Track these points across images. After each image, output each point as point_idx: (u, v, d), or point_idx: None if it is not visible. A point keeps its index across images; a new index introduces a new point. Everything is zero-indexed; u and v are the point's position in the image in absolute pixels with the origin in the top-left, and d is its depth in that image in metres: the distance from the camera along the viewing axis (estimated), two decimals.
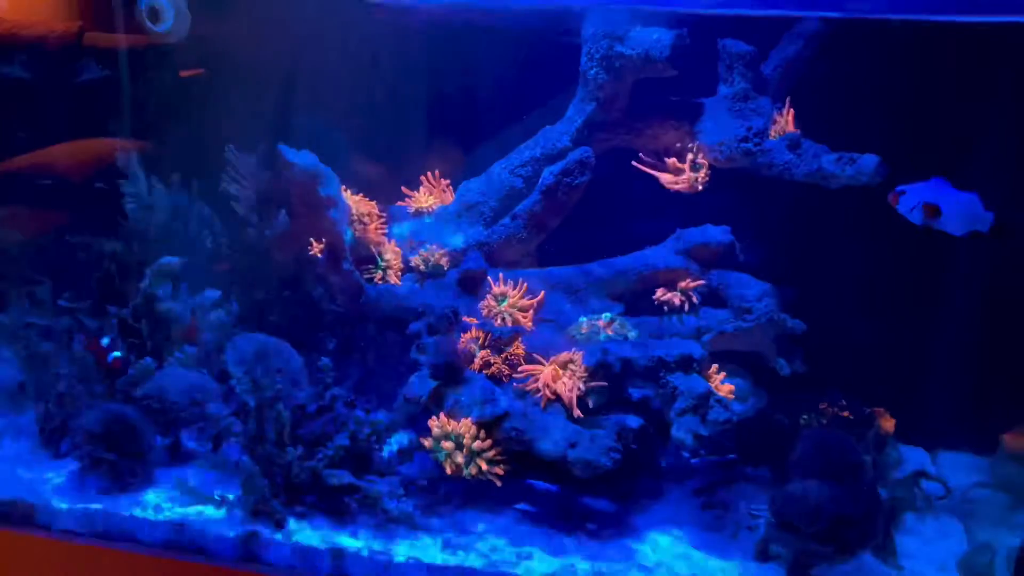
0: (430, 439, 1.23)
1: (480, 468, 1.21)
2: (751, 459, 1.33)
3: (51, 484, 1.33)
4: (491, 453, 1.21)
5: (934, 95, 1.16)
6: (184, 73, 1.36)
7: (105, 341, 1.26)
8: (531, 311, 1.35)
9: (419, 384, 1.26)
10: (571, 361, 1.25)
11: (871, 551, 1.22)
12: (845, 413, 1.41)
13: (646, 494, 1.34)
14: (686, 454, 1.30)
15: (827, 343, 1.33)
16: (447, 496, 1.28)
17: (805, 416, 1.39)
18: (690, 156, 1.29)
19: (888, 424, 1.42)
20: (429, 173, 1.47)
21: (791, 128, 1.26)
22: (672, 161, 1.28)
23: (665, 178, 1.27)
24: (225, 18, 1.35)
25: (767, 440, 1.31)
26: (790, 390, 1.38)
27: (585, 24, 1.28)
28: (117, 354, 1.26)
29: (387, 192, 1.47)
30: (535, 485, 1.32)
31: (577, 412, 1.21)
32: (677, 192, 1.27)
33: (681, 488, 1.35)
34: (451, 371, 1.25)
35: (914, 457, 1.46)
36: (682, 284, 1.30)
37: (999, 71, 1.13)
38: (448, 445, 1.22)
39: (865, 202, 1.17)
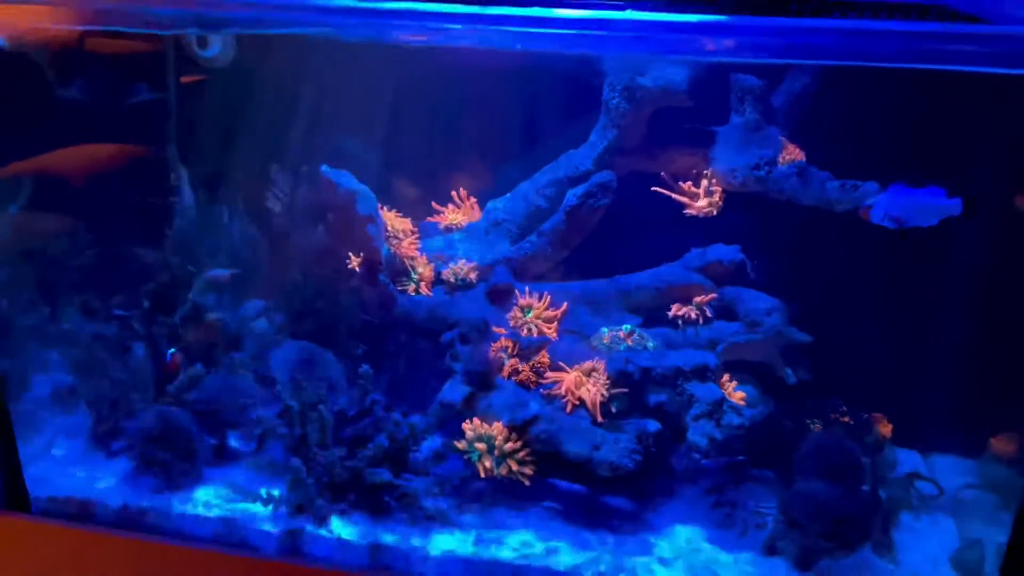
0: (464, 441, 1.33)
1: (511, 468, 1.31)
2: (758, 461, 1.42)
3: (105, 482, 1.41)
4: (522, 454, 1.31)
5: (921, 127, 1.27)
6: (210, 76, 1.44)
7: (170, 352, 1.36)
8: (555, 322, 1.44)
9: (453, 390, 1.36)
10: (594, 369, 1.35)
11: (870, 547, 1.33)
12: (845, 419, 1.52)
13: (662, 493, 1.43)
14: (697, 456, 1.40)
15: (829, 353, 1.43)
16: (478, 495, 1.38)
17: (811, 421, 1.49)
18: (704, 181, 1.38)
19: (885, 429, 1.52)
20: (458, 192, 1.56)
21: (799, 156, 1.37)
22: (688, 185, 1.38)
23: (683, 202, 1.37)
24: (272, 49, 1.44)
25: (773, 444, 1.40)
26: (795, 397, 1.47)
27: (607, 61, 1.38)
28: (172, 351, 1.35)
29: (421, 210, 1.57)
30: (559, 485, 1.41)
31: (600, 417, 1.31)
32: (692, 214, 1.37)
33: (694, 488, 1.44)
34: (484, 378, 1.35)
35: (909, 460, 1.56)
36: (697, 299, 1.39)
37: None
38: (481, 446, 1.32)
39: (865, 224, 1.27)
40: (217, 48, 1.46)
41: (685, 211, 1.36)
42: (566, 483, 1.40)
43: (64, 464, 1.45)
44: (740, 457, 1.44)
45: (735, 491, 1.43)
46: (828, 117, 1.36)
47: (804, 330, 1.38)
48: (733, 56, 1.25)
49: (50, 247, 1.47)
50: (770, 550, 1.31)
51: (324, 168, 1.39)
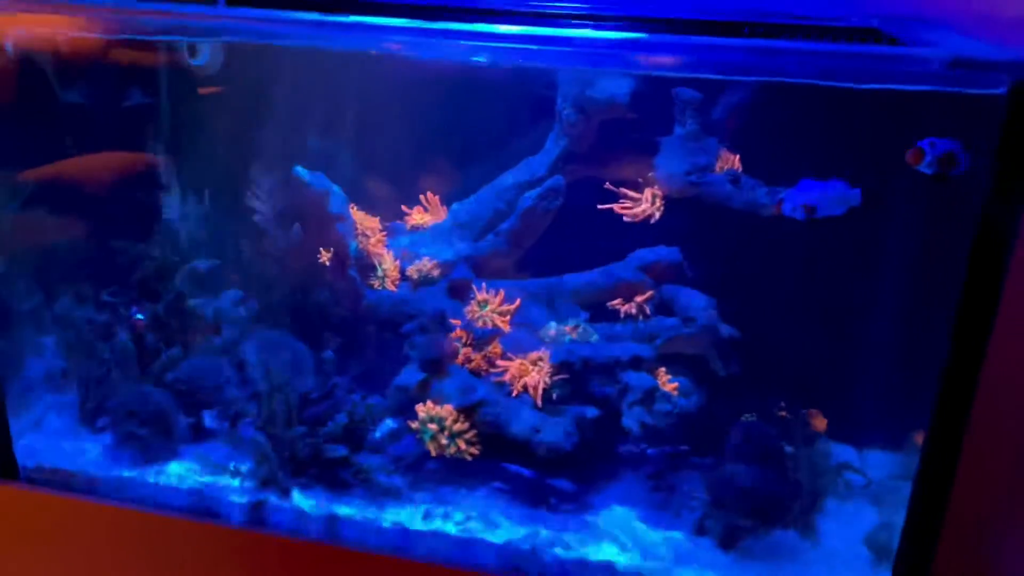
0: (417, 422, 1.44)
1: (459, 447, 1.41)
2: (699, 451, 1.52)
3: (89, 455, 1.53)
4: (469, 435, 1.42)
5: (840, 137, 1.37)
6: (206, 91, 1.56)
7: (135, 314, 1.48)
8: (509, 316, 1.55)
9: (409, 375, 1.47)
10: (540, 359, 1.46)
11: (794, 530, 1.42)
12: (783, 413, 1.61)
13: (604, 477, 1.53)
14: (643, 445, 1.50)
15: (769, 351, 1.53)
16: (430, 473, 1.48)
17: (748, 415, 1.58)
18: (648, 187, 1.49)
19: (819, 423, 1.61)
20: (426, 195, 1.68)
21: (735, 164, 1.47)
22: (632, 192, 1.49)
23: (626, 207, 1.47)
24: (255, 58, 1.56)
25: (709, 433, 1.50)
26: (738, 393, 1.57)
27: (560, 73, 1.49)
28: (140, 316, 1.46)
29: (391, 211, 1.69)
30: (508, 468, 1.51)
31: (540, 402, 1.42)
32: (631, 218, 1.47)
33: (636, 473, 1.53)
34: (437, 365, 1.46)
35: (844, 453, 1.64)
36: (638, 297, 1.50)
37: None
38: (433, 427, 1.42)
39: (791, 227, 1.38)
40: (206, 56, 1.58)
41: (625, 216, 1.47)
42: (515, 466, 1.50)
43: (52, 438, 1.57)
44: (683, 447, 1.53)
45: (674, 477, 1.52)
46: (760, 128, 1.46)
47: (740, 327, 1.48)
48: (669, 72, 1.36)
49: (48, 240, 1.59)
50: (699, 530, 1.40)
51: (297, 169, 1.51)
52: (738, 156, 1.49)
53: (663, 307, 1.50)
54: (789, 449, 1.43)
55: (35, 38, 1.54)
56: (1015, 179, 0.98)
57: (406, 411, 1.47)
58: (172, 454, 1.51)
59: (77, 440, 1.57)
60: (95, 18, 1.38)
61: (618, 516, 1.43)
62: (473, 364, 1.48)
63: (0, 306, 1.55)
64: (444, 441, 1.41)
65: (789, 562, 1.35)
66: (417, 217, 1.67)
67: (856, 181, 1.26)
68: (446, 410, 1.42)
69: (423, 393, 1.46)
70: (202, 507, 1.46)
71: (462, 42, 1.26)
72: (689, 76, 1.40)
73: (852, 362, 1.56)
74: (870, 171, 1.34)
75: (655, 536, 1.40)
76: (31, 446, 1.54)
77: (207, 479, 1.47)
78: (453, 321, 1.52)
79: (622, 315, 1.52)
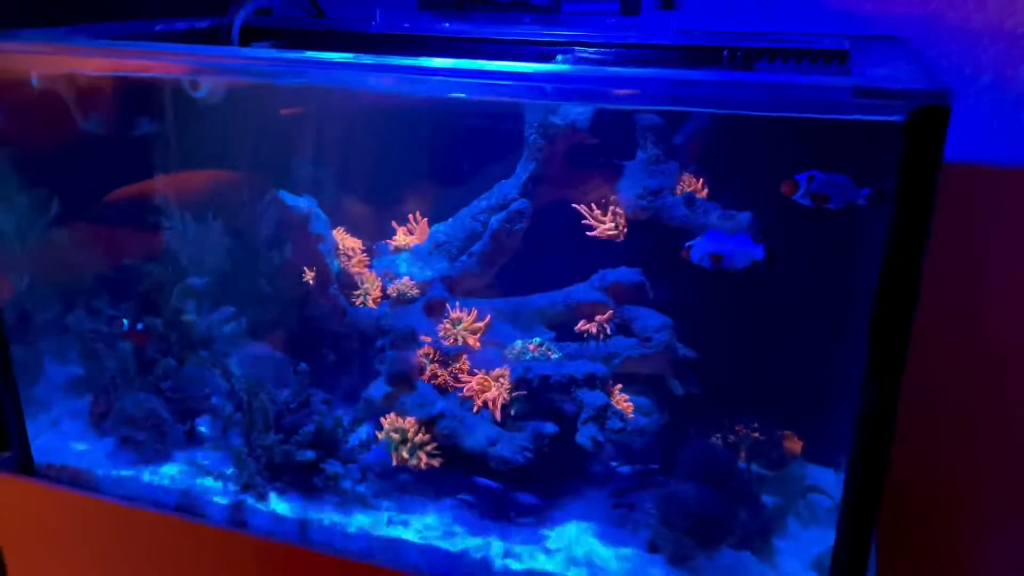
0: (383, 432, 1.52)
1: (420, 458, 1.48)
2: (655, 469, 1.54)
3: (95, 455, 1.67)
4: (430, 447, 1.48)
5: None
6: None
7: (125, 323, 1.61)
8: (479, 334, 1.61)
9: (376, 388, 1.55)
10: (501, 375, 1.51)
11: (748, 551, 1.43)
12: (755, 434, 1.61)
13: (569, 494, 1.57)
14: (599, 462, 1.53)
15: (731, 371, 1.54)
16: (395, 483, 1.55)
17: (717, 436, 1.59)
18: (612, 210, 1.53)
19: (794, 445, 1.60)
20: (411, 216, 1.76)
21: (695, 187, 1.50)
22: (597, 214, 1.53)
23: (593, 226, 1.52)
24: (249, 90, 1.68)
25: (670, 454, 1.52)
26: (701, 414, 1.58)
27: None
28: (126, 323, 1.60)
29: (377, 232, 1.78)
30: (470, 480, 1.57)
31: (499, 417, 1.47)
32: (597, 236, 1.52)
33: (593, 490, 1.57)
34: (402, 379, 1.53)
35: (821, 476, 1.63)
36: (599, 317, 1.54)
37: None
38: (396, 437, 1.50)
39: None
40: (207, 89, 1.71)
41: (589, 233, 1.51)
42: (477, 478, 1.56)
43: (66, 439, 1.72)
44: (639, 465, 1.56)
45: (637, 495, 1.55)
46: (716, 153, 1.49)
47: (698, 347, 1.50)
48: (631, 104, 1.40)
49: (65, 257, 1.75)
50: (652, 547, 1.43)
51: (281, 192, 1.62)
52: (701, 180, 1.52)
53: (623, 327, 1.53)
54: (744, 467, 1.44)
55: (56, 76, 1.69)
56: (913, 201, 0.99)
57: (373, 422, 1.55)
58: (165, 457, 1.63)
59: (86, 441, 1.71)
60: (119, 60, 1.52)
61: (572, 531, 1.47)
62: (439, 380, 1.55)
63: (22, 316, 1.71)
64: (405, 453, 1.48)
65: None
66: (401, 239, 1.75)
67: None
68: (408, 422, 1.49)
69: (389, 405, 1.53)
70: (189, 506, 1.57)
71: (428, 78, 1.33)
72: (608, 107, 1.44)
73: (821, 382, 1.56)
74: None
75: (607, 552, 1.43)
76: (46, 445, 1.69)
77: (195, 481, 1.58)
78: (424, 338, 1.59)
79: (585, 335, 1.56)
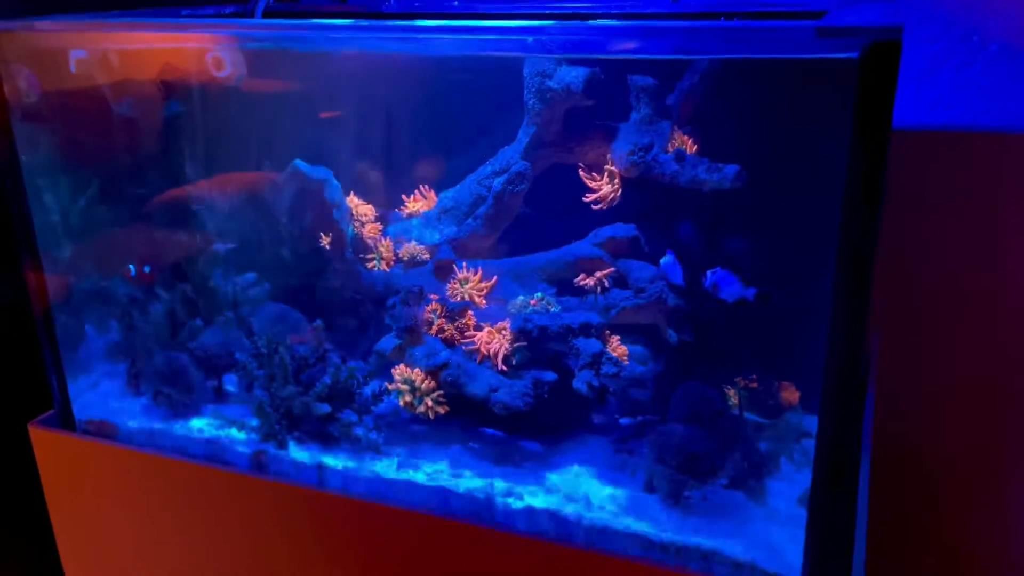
0: (393, 383, 1.61)
1: (427, 405, 1.57)
2: (651, 413, 1.61)
3: (130, 412, 1.79)
4: (435, 394, 1.57)
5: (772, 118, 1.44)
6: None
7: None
8: (485, 292, 1.69)
9: (387, 342, 1.65)
10: (503, 328, 1.59)
11: (741, 491, 1.48)
12: (754, 385, 1.66)
13: (571, 441, 1.64)
14: (597, 407, 1.60)
15: (723, 320, 1.59)
16: (410, 433, 1.64)
17: (723, 387, 1.65)
18: (607, 169, 1.61)
19: (791, 396, 1.65)
20: (421, 185, 1.85)
21: (686, 144, 1.56)
22: (594, 177, 1.60)
23: (594, 190, 1.59)
24: (268, 68, 1.79)
25: (665, 399, 1.58)
26: (714, 366, 1.64)
27: (525, 64, 1.63)
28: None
29: (390, 200, 1.88)
30: (483, 431, 1.65)
31: (501, 366, 1.55)
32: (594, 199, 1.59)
33: (602, 439, 1.64)
34: (411, 333, 1.62)
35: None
36: (598, 273, 1.61)
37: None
38: (404, 387, 1.59)
39: (731, 201, 1.46)
40: (229, 69, 1.83)
41: (588, 197, 1.58)
42: (489, 427, 1.64)
43: (105, 398, 1.85)
44: (637, 409, 1.62)
45: (636, 442, 1.62)
46: (709, 111, 1.55)
47: (691, 298, 1.56)
48: (625, 54, 1.47)
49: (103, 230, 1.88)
50: (648, 487, 1.49)
51: (297, 162, 1.72)
52: (689, 138, 1.58)
53: (619, 280, 1.60)
54: (736, 413, 1.50)
55: (93, 60, 1.83)
56: (869, 135, 1.04)
57: (387, 374, 1.64)
58: (194, 411, 1.75)
59: (123, 400, 1.83)
60: (145, 33, 1.66)
61: (571, 472, 1.54)
62: (446, 334, 1.64)
63: (66, 287, 1.84)
64: (414, 400, 1.57)
65: (725, 516, 1.42)
66: (412, 205, 1.85)
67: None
68: (416, 373, 1.58)
69: (399, 357, 1.63)
70: (216, 455, 1.68)
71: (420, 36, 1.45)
72: (579, 56, 1.51)
73: (816, 331, 1.61)
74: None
75: (604, 491, 1.50)
76: (87, 404, 1.81)
77: (221, 432, 1.69)
78: (433, 296, 1.68)
79: (584, 289, 1.63)
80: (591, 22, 1.26)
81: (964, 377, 2.03)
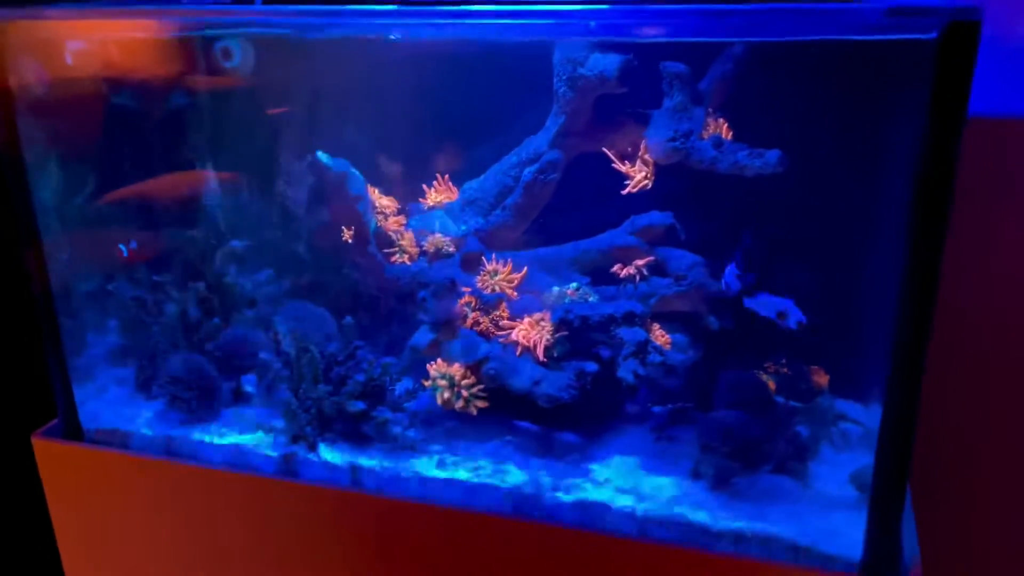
0: (430, 380, 1.57)
1: (466, 401, 1.53)
2: (695, 401, 1.60)
3: (143, 418, 1.71)
4: (475, 389, 1.54)
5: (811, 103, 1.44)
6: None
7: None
8: (516, 283, 1.66)
9: (421, 336, 1.60)
10: (542, 319, 1.56)
11: (786, 475, 1.49)
12: (784, 370, 1.67)
13: (610, 431, 1.62)
14: (641, 396, 1.59)
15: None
16: (444, 427, 1.60)
17: (756, 372, 1.65)
18: (640, 156, 1.59)
19: (821, 379, 1.67)
20: (442, 176, 1.81)
21: (722, 130, 1.56)
22: (628, 167, 1.59)
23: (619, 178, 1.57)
24: (280, 57, 1.72)
25: (708, 386, 1.58)
26: (746, 352, 1.64)
27: (555, 51, 1.61)
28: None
29: (411, 192, 1.83)
30: (517, 423, 1.62)
31: (542, 358, 1.52)
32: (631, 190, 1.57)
33: (642, 428, 1.62)
34: (447, 326, 1.58)
35: (850, 409, 1.69)
36: (636, 261, 1.59)
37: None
38: (442, 383, 1.55)
39: (772, 186, 1.46)
40: (238, 59, 1.76)
41: (625, 185, 1.56)
42: (525, 423, 1.61)
43: (113, 405, 1.76)
44: (680, 398, 1.62)
45: (677, 430, 1.61)
46: (744, 96, 1.55)
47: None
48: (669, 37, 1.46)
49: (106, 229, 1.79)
50: (695, 474, 1.48)
51: (319, 154, 1.66)
52: (725, 123, 1.58)
53: (658, 269, 1.59)
54: (780, 400, 1.50)
55: (92, 52, 1.74)
56: (948, 116, 1.05)
57: (419, 370, 1.60)
58: (214, 414, 1.67)
59: (133, 406, 1.75)
60: (144, 20, 1.58)
61: (617, 463, 1.52)
62: (481, 327, 1.60)
63: (65, 290, 1.74)
64: (453, 396, 1.53)
65: (774, 501, 1.42)
66: (433, 197, 1.80)
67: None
68: (454, 368, 1.54)
69: (434, 352, 1.58)
70: (239, 460, 1.61)
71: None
72: (628, 41, 1.50)
73: (848, 320, 1.62)
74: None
75: (651, 481, 1.48)
76: (94, 412, 1.72)
77: (244, 436, 1.63)
78: (464, 288, 1.64)
79: (622, 278, 1.61)
80: (652, 6, 1.23)
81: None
